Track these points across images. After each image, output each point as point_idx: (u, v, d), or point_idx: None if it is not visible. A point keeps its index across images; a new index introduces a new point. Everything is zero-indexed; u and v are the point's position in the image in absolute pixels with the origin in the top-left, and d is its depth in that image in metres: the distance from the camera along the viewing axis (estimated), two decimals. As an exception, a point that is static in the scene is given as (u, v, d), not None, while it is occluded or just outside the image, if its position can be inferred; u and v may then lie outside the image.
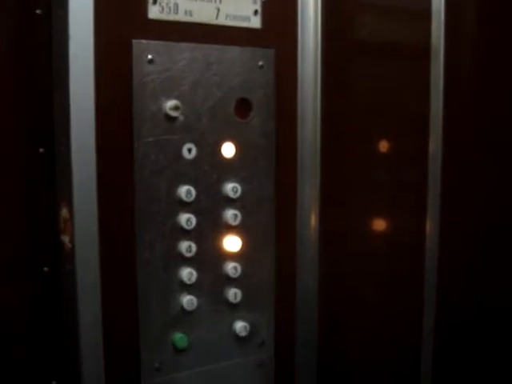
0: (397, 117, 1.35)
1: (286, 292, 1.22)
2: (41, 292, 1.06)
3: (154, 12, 1.04)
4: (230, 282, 1.14)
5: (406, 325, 1.42)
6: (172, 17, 1.06)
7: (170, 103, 1.05)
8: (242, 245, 1.14)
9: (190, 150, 1.08)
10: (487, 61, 1.48)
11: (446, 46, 1.35)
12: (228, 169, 1.12)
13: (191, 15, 1.07)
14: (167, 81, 1.06)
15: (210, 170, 1.11)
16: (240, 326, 1.15)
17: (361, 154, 1.33)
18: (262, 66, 1.14)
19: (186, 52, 1.07)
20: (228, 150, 1.12)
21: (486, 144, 1.50)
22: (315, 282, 1.25)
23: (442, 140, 1.37)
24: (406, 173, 1.38)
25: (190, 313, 1.10)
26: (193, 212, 1.09)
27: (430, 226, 1.39)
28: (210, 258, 1.12)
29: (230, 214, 1.12)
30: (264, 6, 1.14)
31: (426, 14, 1.33)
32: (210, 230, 1.11)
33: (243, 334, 1.15)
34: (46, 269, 1.06)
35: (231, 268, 1.13)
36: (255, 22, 1.14)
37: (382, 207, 1.37)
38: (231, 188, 1.12)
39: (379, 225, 1.37)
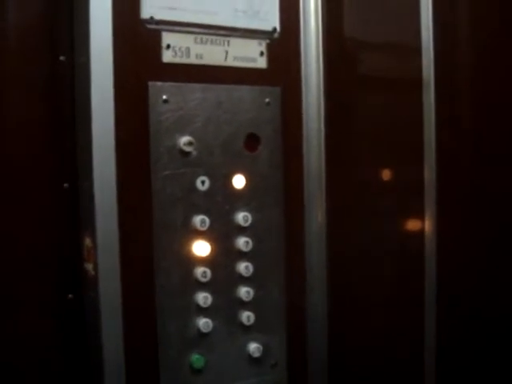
0: (397, 147, 1.39)
1: (297, 314, 1.25)
2: (65, 318, 1.10)
3: (167, 56, 1.10)
4: (244, 305, 1.17)
5: (411, 343, 1.44)
6: (184, 60, 1.11)
7: (184, 139, 1.10)
8: (254, 270, 1.17)
9: (203, 182, 1.12)
10: (476, 92, 1.53)
11: (436, 79, 1.40)
12: (239, 199, 1.16)
13: (202, 58, 1.13)
14: (181, 119, 1.10)
15: (223, 200, 1.15)
16: (253, 348, 1.18)
17: (363, 181, 1.37)
18: (268, 103, 1.19)
19: (197, 92, 1.12)
20: (239, 181, 1.16)
21: (478, 170, 1.54)
22: (324, 304, 1.28)
23: (436, 167, 1.41)
24: (406, 199, 1.42)
25: (206, 335, 1.13)
26: (207, 240, 1.13)
27: (429, 247, 1.42)
28: (224, 283, 1.15)
29: (242, 242, 1.16)
30: (269, 47, 1.19)
31: (417, 50, 1.38)
32: (223, 256, 1.15)
33: (256, 355, 1.18)
34: (70, 296, 1.10)
35: (244, 292, 1.16)
36: (261, 63, 1.19)
37: (385, 233, 1.40)
38: (242, 217, 1.16)
39: (385, 250, 1.40)
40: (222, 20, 1.15)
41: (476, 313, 1.54)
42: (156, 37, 1.09)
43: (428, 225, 1.42)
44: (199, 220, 1.12)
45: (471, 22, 1.52)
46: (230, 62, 1.16)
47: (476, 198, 1.54)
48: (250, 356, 1.19)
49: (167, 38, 1.10)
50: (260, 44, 1.19)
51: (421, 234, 1.42)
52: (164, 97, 1.09)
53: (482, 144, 1.53)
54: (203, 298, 1.13)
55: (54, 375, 1.10)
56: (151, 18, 1.08)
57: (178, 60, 1.11)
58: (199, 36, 1.13)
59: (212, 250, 1.14)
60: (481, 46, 1.52)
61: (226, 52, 1.16)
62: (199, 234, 1.13)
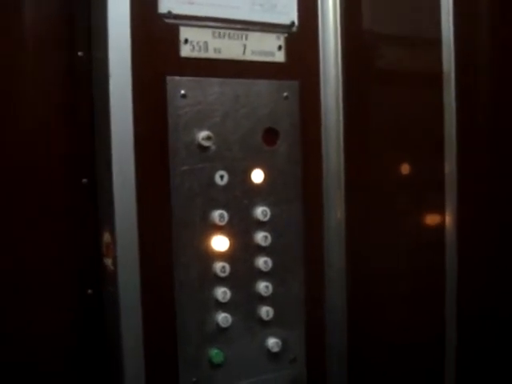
0: (417, 141, 1.38)
1: (316, 310, 1.25)
2: (85, 313, 1.10)
3: (185, 50, 1.10)
4: (262, 300, 1.17)
5: (431, 337, 1.44)
6: (202, 54, 1.11)
7: (203, 134, 1.10)
8: (273, 265, 1.17)
9: (222, 177, 1.13)
10: (497, 85, 1.52)
11: (457, 72, 1.38)
12: (258, 193, 1.16)
13: (220, 52, 1.13)
14: (199, 113, 1.10)
15: (241, 195, 1.15)
16: (272, 342, 1.18)
17: (382, 176, 1.36)
18: (287, 97, 1.19)
19: (215, 86, 1.12)
20: (257, 176, 1.16)
21: (498, 163, 1.52)
22: (343, 299, 1.28)
23: (457, 161, 1.40)
24: (425, 194, 1.41)
25: (225, 329, 1.13)
26: (226, 235, 1.13)
27: (449, 241, 1.42)
28: (242, 278, 1.15)
29: (261, 236, 1.16)
30: (287, 41, 1.18)
31: (436, 42, 1.37)
32: (242, 251, 1.15)
33: (275, 349, 1.18)
34: (90, 291, 1.10)
35: (263, 287, 1.16)
36: (279, 57, 1.18)
37: (404, 228, 1.39)
38: (261, 211, 1.16)
39: (404, 244, 1.40)
40: (240, 14, 1.15)
41: (497, 307, 1.53)
42: (174, 31, 1.09)
43: (448, 219, 1.41)
44: (218, 215, 1.12)
45: (493, 13, 1.50)
46: (248, 56, 1.16)
47: (497, 192, 1.52)
48: (268, 351, 1.19)
49: (185, 32, 1.10)
50: (278, 38, 1.19)
51: (441, 228, 1.41)
52: (182, 91, 1.09)
53: (502, 138, 1.51)
54: (222, 292, 1.13)
55: (74, 370, 1.11)
56: (169, 12, 1.08)
57: (195, 54, 1.11)
58: (217, 30, 1.13)
59: (231, 245, 1.14)
60: (503, 37, 1.50)
61: (244, 46, 1.15)
62: (218, 229, 1.13)
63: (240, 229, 1.15)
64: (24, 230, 1.06)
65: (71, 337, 1.10)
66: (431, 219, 1.43)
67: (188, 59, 1.10)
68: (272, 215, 1.18)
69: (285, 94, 1.19)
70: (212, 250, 1.13)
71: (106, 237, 1.07)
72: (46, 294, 1.08)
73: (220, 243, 1.13)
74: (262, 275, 1.17)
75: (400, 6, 1.36)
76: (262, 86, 1.17)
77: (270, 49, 1.18)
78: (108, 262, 1.08)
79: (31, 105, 1.06)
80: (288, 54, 1.19)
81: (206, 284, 1.13)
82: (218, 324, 1.13)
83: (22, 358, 1.06)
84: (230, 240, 1.14)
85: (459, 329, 1.44)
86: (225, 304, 1.13)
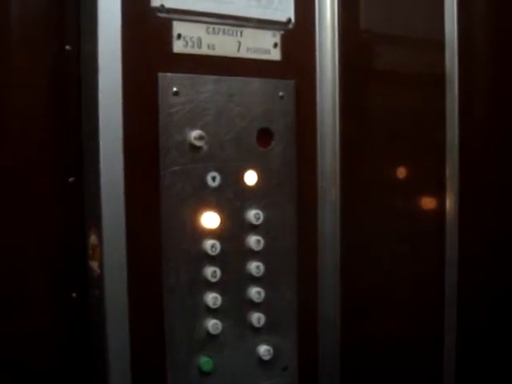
0: (415, 143, 1.36)
1: (309, 316, 1.23)
2: (69, 318, 1.08)
3: (178, 46, 1.07)
4: (254, 306, 1.15)
5: (428, 356, 1.42)
6: (195, 51, 1.09)
7: (195, 133, 1.08)
8: (265, 270, 1.15)
9: (214, 178, 1.10)
10: (501, 87, 1.50)
11: (460, 75, 1.37)
12: (251, 196, 1.14)
13: (214, 49, 1.11)
14: (192, 112, 1.08)
15: (234, 197, 1.13)
16: (264, 350, 1.15)
17: (379, 180, 1.34)
18: (282, 97, 1.17)
19: (209, 84, 1.10)
20: (250, 177, 1.14)
21: (500, 166, 1.51)
22: (337, 306, 1.26)
23: (459, 165, 1.38)
24: (424, 198, 1.39)
25: (215, 337, 1.11)
26: (217, 238, 1.11)
27: (449, 251, 1.40)
28: (234, 283, 1.13)
29: (254, 240, 1.14)
30: (283, 38, 1.17)
31: (439, 44, 1.35)
32: (234, 255, 1.13)
33: (267, 357, 1.16)
34: (74, 295, 1.08)
35: (255, 293, 1.14)
36: (275, 55, 1.16)
37: (402, 233, 1.38)
38: (254, 215, 1.13)
39: (402, 249, 1.38)
40: (235, 9, 1.13)
41: (499, 307, 1.52)
42: (166, 26, 1.06)
43: (449, 224, 1.39)
44: (209, 217, 1.10)
45: (497, 13, 1.48)
46: (243, 54, 1.14)
47: (499, 196, 1.51)
48: (260, 359, 1.16)
49: (178, 27, 1.07)
50: (274, 35, 1.17)
51: (441, 233, 1.39)
52: (174, 89, 1.07)
53: (505, 140, 1.50)
54: (212, 298, 1.11)
55: (57, 376, 1.08)
56: (162, 5, 1.06)
57: (189, 50, 1.09)
58: (211, 26, 1.10)
59: (222, 249, 1.12)
60: (507, 39, 1.49)
61: (239, 43, 1.13)
62: (209, 233, 1.11)
63: (232, 232, 1.13)
64: (7, 230, 1.03)
65: (54, 342, 1.08)
66: (431, 224, 1.41)
67: (181, 55, 1.08)
68: (265, 218, 1.15)
69: (280, 93, 1.17)
70: (202, 254, 1.10)
71: (93, 239, 1.05)
72: (28, 297, 1.06)
73: (211, 247, 1.10)
74: (254, 280, 1.15)
75: (401, 4, 1.35)
76: (257, 85, 1.15)
77: (265, 46, 1.16)
78: (94, 264, 1.05)
79: (16, 100, 1.04)
80: (284, 51, 1.17)
81: (196, 289, 1.10)
82: (207, 331, 1.11)
83: (3, 362, 1.03)
84: (221, 244, 1.11)
85: (458, 337, 1.43)
86: (215, 310, 1.11)
